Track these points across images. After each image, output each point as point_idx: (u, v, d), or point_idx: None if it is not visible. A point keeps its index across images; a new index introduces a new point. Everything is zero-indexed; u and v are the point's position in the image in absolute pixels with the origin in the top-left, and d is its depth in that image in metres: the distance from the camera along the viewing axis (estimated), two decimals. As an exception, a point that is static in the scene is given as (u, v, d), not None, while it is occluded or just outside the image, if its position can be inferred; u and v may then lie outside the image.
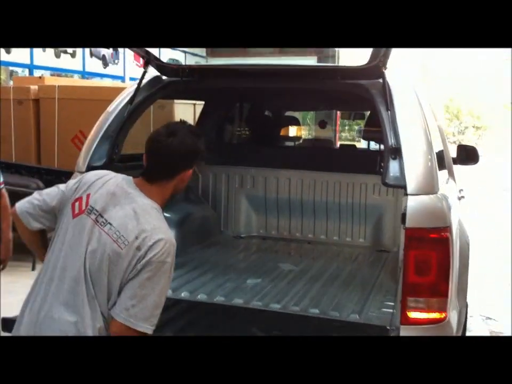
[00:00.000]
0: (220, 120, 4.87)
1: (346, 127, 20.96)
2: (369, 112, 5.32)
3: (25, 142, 7.39)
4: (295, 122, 6.58)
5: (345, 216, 4.32)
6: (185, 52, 14.72)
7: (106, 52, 12.38)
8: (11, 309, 2.55)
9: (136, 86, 3.17)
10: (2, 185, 3.20)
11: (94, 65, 12.12)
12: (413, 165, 2.60)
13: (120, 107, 3.15)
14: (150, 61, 3.16)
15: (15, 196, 5.75)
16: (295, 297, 3.04)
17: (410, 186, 2.53)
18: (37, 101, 7.41)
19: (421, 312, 2.51)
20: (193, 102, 6.68)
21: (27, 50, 10.05)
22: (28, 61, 10.35)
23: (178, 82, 3.28)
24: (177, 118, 7.06)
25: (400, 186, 2.57)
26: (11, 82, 9.82)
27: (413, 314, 2.50)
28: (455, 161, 4.31)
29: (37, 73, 10.46)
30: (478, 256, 5.37)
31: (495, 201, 12.51)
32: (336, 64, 3.53)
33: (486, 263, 6.85)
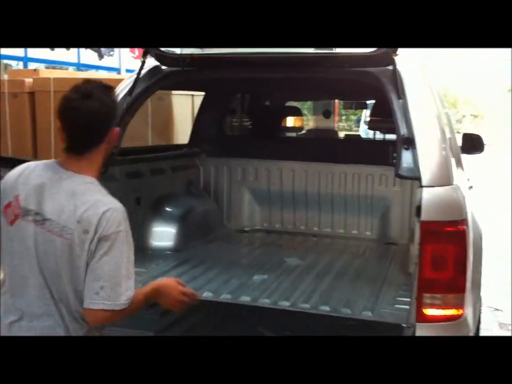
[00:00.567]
0: (221, 111, 4.75)
1: (343, 117, 20.80)
2: (373, 101, 5.20)
3: (21, 136, 7.26)
4: (297, 112, 6.47)
5: (351, 208, 4.23)
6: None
7: (101, 43, 12.22)
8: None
9: (135, 76, 3.05)
10: None
11: (89, 57, 11.97)
12: (427, 155, 2.51)
13: (118, 99, 3.03)
14: (148, 50, 3.04)
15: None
16: (304, 293, 2.94)
17: (425, 177, 2.43)
18: (32, 94, 7.28)
19: (437, 308, 2.41)
20: (192, 93, 6.57)
21: (21, 43, 9.90)
22: (21, 54, 10.19)
23: (179, 72, 3.15)
24: (175, 109, 6.97)
25: (415, 178, 2.47)
26: (5, 76, 9.67)
27: (429, 311, 2.40)
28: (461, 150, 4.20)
29: (31, 66, 10.30)
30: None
31: (499, 191, 12.38)
32: (342, 51, 3.40)
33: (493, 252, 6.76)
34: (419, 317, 2.41)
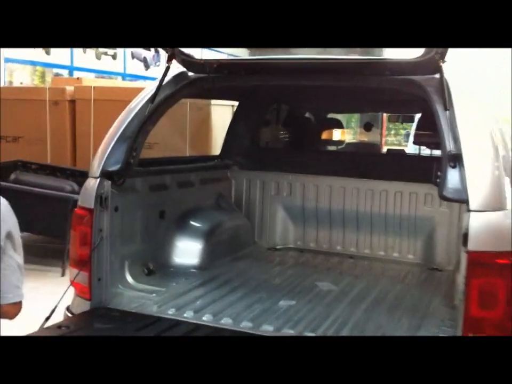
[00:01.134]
0: (255, 122, 4.53)
1: (392, 131, 20.33)
2: (420, 114, 4.89)
3: (61, 144, 7.34)
4: (338, 125, 6.20)
5: (392, 228, 3.92)
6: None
7: (147, 54, 12.30)
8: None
9: (158, 83, 2.86)
10: None
11: (135, 67, 12.06)
12: (477, 175, 2.23)
13: (140, 106, 2.85)
14: (174, 55, 2.85)
15: (50, 199, 5.61)
16: (334, 324, 2.67)
17: (474, 201, 2.15)
18: (73, 102, 7.33)
19: (484, 352, 2.09)
20: (232, 103, 6.41)
21: (67, 51, 10.02)
22: (68, 63, 10.32)
23: (206, 78, 2.95)
24: (214, 120, 6.81)
25: (461, 200, 2.19)
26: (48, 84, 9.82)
27: (475, 355, 2.09)
28: None
29: (78, 75, 10.42)
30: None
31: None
32: (384, 57, 3.18)
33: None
34: (463, 361, 2.10)
